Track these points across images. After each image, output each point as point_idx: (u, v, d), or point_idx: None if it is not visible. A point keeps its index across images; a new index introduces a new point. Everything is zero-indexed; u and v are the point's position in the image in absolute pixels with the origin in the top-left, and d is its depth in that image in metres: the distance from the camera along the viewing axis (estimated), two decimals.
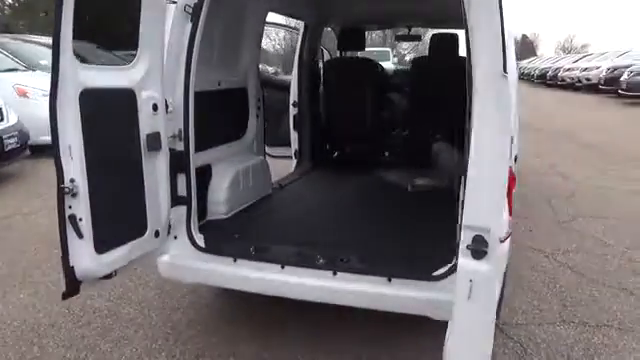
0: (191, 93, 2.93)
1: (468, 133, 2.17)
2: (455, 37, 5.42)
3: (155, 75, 2.87)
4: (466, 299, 1.75)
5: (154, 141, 2.87)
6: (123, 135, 2.73)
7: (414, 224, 3.61)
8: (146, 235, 2.92)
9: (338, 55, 6.10)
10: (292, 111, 5.27)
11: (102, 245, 2.59)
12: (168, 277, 3.24)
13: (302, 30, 5.42)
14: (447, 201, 3.71)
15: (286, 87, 5.32)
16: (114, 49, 2.69)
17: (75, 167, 2.39)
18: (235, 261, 3.03)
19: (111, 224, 2.62)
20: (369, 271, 2.85)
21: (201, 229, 3.22)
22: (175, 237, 3.16)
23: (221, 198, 3.65)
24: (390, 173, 5.10)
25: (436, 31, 5.78)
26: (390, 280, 2.77)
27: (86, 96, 2.43)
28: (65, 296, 2.53)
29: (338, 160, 5.79)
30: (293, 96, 5.27)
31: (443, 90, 4.83)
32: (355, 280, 2.80)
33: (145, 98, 2.82)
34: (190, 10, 3.01)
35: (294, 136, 5.32)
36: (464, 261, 1.81)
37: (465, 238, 1.80)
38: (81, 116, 2.40)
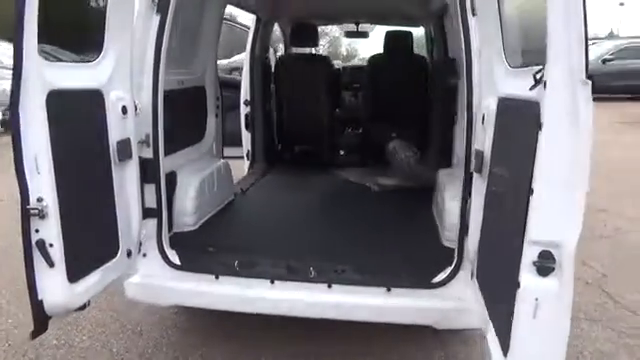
0: (160, 93, 2.72)
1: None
2: (410, 35, 5.49)
3: (123, 73, 2.58)
4: (531, 317, 1.67)
5: (124, 149, 2.59)
6: (92, 143, 2.43)
7: (395, 226, 3.56)
8: (118, 256, 2.64)
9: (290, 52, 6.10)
10: (243, 110, 5.14)
11: (75, 273, 2.28)
12: (139, 300, 2.94)
13: (253, 26, 5.28)
14: (417, 200, 3.92)
15: (236, 85, 5.20)
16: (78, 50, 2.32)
17: (43, 183, 2.08)
18: (217, 278, 2.79)
19: (84, 247, 2.32)
20: (367, 282, 2.73)
21: (170, 244, 2.98)
22: (144, 255, 2.88)
23: (188, 208, 3.40)
24: (349, 172, 5.09)
25: (390, 28, 5.82)
26: (389, 290, 2.67)
27: (54, 99, 2.12)
28: (34, 335, 2.20)
29: (293, 160, 5.72)
30: (244, 94, 5.14)
31: (399, 87, 5.14)
32: (352, 292, 2.68)
33: (114, 100, 2.52)
34: (158, 1, 2.75)
35: (246, 136, 5.18)
36: (528, 278, 1.71)
37: (530, 254, 1.70)
38: (49, 122, 2.09)
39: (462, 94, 3.55)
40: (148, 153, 2.79)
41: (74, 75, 2.34)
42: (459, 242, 2.63)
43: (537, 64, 1.86)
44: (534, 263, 1.69)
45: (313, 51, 6.75)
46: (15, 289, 3.73)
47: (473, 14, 2.52)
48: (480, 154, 2.43)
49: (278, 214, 3.85)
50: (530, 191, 1.70)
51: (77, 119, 2.33)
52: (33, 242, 2.09)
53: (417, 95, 5.26)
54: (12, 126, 1.99)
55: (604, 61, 16.90)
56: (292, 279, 2.74)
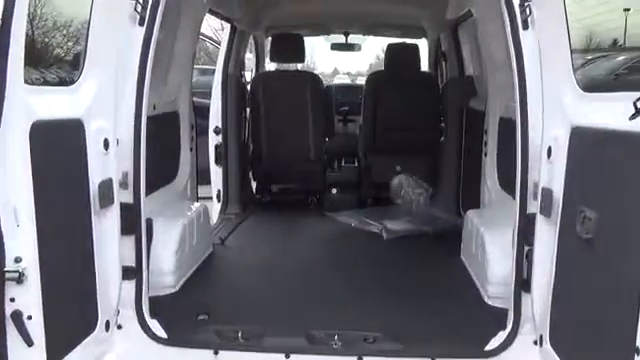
0: (143, 120, 2.66)
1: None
2: (416, 49, 5.54)
3: (106, 99, 2.53)
4: None
5: (106, 192, 2.53)
6: (72, 186, 2.36)
7: (421, 282, 3.55)
8: (97, 329, 2.53)
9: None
10: (213, 140, 5.17)
11: (55, 351, 2.17)
12: None
13: (226, 37, 5.23)
14: (438, 248, 4.02)
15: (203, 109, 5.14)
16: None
17: (23, 239, 2.01)
18: (216, 354, 2.71)
19: (64, 318, 2.23)
20: (406, 352, 2.70)
21: (150, 312, 2.87)
22: (119, 326, 2.75)
23: (168, 266, 3.33)
24: (346, 216, 5.03)
25: (391, 40, 5.86)
26: None
27: (37, 132, 2.04)
28: None
29: (275, 201, 5.69)
30: (214, 120, 5.16)
31: (405, 111, 5.18)
32: None
33: (95, 131, 2.46)
34: (141, 10, 2.65)
35: (216, 172, 5.16)
36: None
37: None
38: (32, 162, 2.01)
39: (492, 120, 3.74)
40: (126, 197, 2.70)
41: (54, 101, 2.29)
42: (515, 300, 2.61)
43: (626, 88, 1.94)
44: None
45: (299, 67, 6.78)
46: None
47: (524, 27, 2.55)
48: (548, 193, 2.44)
49: (274, 269, 3.81)
50: None
51: (58, 157, 2.26)
52: (7, 314, 1.98)
53: (427, 120, 5.33)
54: None
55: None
56: (313, 352, 2.69)
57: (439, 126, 5.39)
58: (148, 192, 3.05)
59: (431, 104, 5.35)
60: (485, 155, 3.90)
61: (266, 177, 5.74)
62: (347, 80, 19.10)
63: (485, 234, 3.27)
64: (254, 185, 5.81)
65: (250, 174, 5.66)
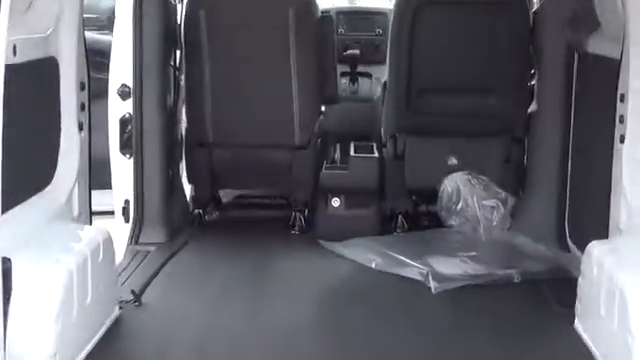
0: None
1: None
2: None
3: None
4: None
5: None
6: None
7: None
8: None
9: None
10: (117, 109, 4.24)
11: None
12: None
13: None
14: (528, 307, 3.58)
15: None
16: None
17: None
18: None
19: None
20: None
21: None
22: None
23: (41, 346, 2.81)
24: (360, 249, 4.14)
25: None
26: None
27: None
28: None
29: (227, 220, 4.79)
30: (119, 75, 4.25)
31: (466, 55, 4.41)
32: None
33: None
34: None
35: (122, 167, 4.33)
36: None
37: None
38: None
39: (636, 78, 3.29)
40: None
41: None
42: None
43: None
44: None
45: None
46: None
47: None
48: None
49: (230, 350, 3.32)
50: None
51: None
52: None
53: (506, 74, 4.41)
54: None
55: None
56: None
57: (527, 85, 4.44)
58: (6, 207, 2.76)
59: (515, 44, 4.35)
60: (621, 141, 3.31)
61: (212, 177, 4.72)
62: (358, 2, 18.41)
63: (630, 288, 2.81)
64: (190, 191, 4.91)
65: (183, 171, 4.82)
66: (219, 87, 4.54)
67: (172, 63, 4.63)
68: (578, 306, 3.32)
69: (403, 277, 3.83)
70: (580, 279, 3.27)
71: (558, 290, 3.59)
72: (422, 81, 4.52)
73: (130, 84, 4.20)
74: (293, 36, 4.44)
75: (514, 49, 4.46)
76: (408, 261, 3.86)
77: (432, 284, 3.62)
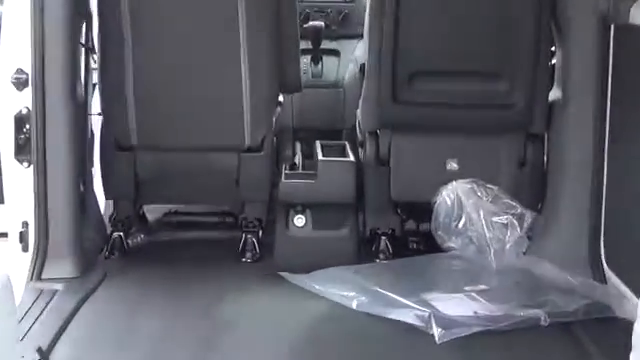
0: None
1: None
2: None
3: None
4: None
5: None
6: None
7: None
8: None
9: None
10: (10, 103, 3.72)
11: None
12: None
13: None
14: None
15: None
16: None
17: None
18: None
19: None
20: None
21: None
22: None
23: None
24: (333, 283, 3.69)
25: None
26: None
27: None
28: None
29: (156, 245, 4.34)
30: (13, 58, 3.74)
31: (468, 25, 4.00)
32: None
33: None
34: None
35: (17, 177, 3.84)
36: None
37: None
38: None
39: None
40: None
41: None
42: None
43: None
44: None
45: None
46: None
47: None
48: None
49: None
50: None
51: None
52: None
53: (520, 52, 3.97)
54: None
55: None
56: None
57: (548, 67, 3.91)
58: None
59: (532, 14, 3.92)
60: None
61: (136, 190, 4.23)
62: None
63: None
64: (106, 207, 4.40)
65: (98, 181, 4.33)
66: (145, 73, 3.99)
67: (82, 41, 4.02)
68: (633, 358, 2.59)
69: (396, 321, 3.20)
70: (637, 325, 2.48)
71: (597, 334, 3.09)
72: (412, 62, 3.96)
73: (28, 69, 3.62)
74: (242, 5, 3.90)
75: (531, 20, 3.92)
76: (401, 299, 3.24)
77: (436, 331, 3.01)
